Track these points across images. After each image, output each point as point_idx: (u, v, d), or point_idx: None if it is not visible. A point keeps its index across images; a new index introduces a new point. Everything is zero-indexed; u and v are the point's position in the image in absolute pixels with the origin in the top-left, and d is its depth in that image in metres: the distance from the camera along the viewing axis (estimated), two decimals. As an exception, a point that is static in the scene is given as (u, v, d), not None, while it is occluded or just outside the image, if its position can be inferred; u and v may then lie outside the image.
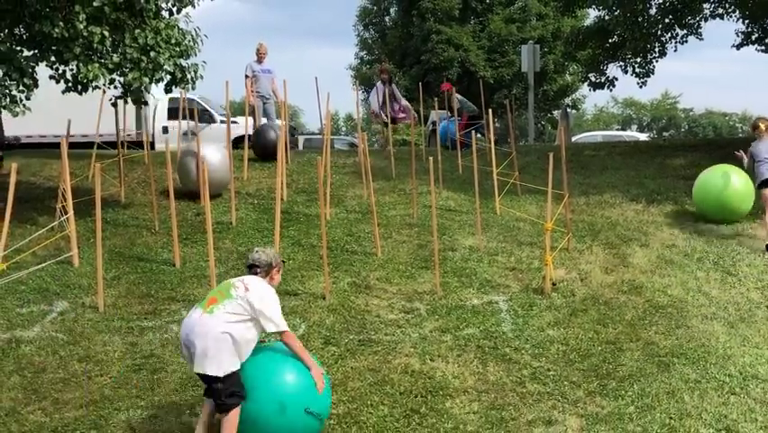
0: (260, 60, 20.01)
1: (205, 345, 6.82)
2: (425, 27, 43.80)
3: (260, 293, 7.12)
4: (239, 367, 6.92)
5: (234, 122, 24.23)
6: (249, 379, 6.88)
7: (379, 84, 22.06)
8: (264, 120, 19.60)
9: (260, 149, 18.41)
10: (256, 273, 7.37)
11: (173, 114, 24.62)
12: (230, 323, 6.91)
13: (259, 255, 7.41)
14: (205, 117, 26.17)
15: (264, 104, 19.67)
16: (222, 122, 24.00)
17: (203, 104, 26.04)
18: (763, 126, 13.55)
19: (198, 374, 6.97)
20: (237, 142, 20.31)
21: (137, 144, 19.44)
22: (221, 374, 6.80)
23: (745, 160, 13.51)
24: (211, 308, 6.99)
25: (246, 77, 19.80)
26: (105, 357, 9.10)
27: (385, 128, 20.84)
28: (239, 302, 7.03)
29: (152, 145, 23.97)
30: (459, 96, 22.44)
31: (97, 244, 10.77)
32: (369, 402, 8.12)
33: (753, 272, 12.08)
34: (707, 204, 14.26)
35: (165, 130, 24.99)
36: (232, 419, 6.86)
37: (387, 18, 50.44)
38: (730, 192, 13.98)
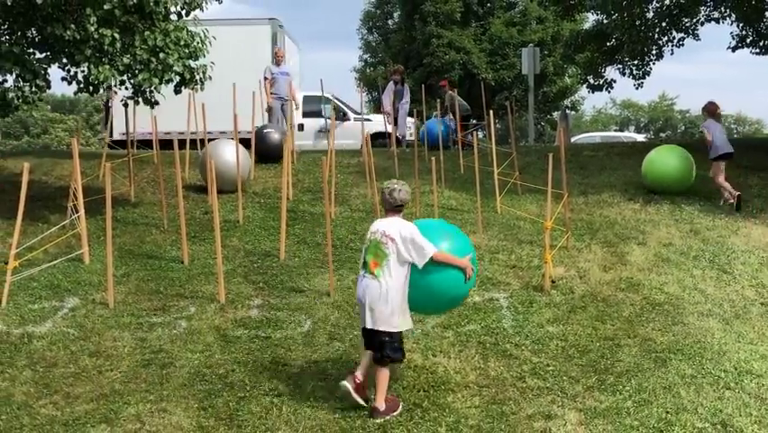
0: (278, 63, 20.07)
1: (376, 305, 7.67)
2: (427, 30, 43.73)
3: (402, 239, 7.73)
4: (405, 328, 7.98)
5: (368, 119, 24.42)
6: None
7: (390, 84, 22.10)
8: (271, 121, 19.62)
9: (263, 151, 18.07)
10: (395, 212, 8.05)
11: (307, 111, 24.89)
12: (392, 279, 7.69)
13: (395, 195, 7.97)
14: (340, 114, 26.36)
15: (282, 105, 19.69)
16: (356, 119, 24.08)
17: (337, 101, 26.15)
18: (718, 110, 16.34)
19: (365, 330, 7.82)
20: (373, 139, 20.45)
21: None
22: (392, 330, 7.74)
23: (708, 138, 15.79)
24: (376, 272, 7.71)
25: (265, 78, 19.83)
26: (114, 352, 9.10)
27: (395, 126, 20.86)
28: (393, 257, 7.71)
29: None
30: (454, 94, 22.40)
31: (108, 242, 10.78)
32: (372, 396, 8.10)
33: (747, 270, 12.09)
34: (655, 177, 16.12)
35: (300, 127, 25.10)
36: (386, 373, 7.77)
37: (390, 22, 50.38)
38: (677, 167, 16.09)
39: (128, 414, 7.73)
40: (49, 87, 13.08)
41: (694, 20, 22.33)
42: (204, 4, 14.17)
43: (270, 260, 12.32)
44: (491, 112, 17.34)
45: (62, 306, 10.48)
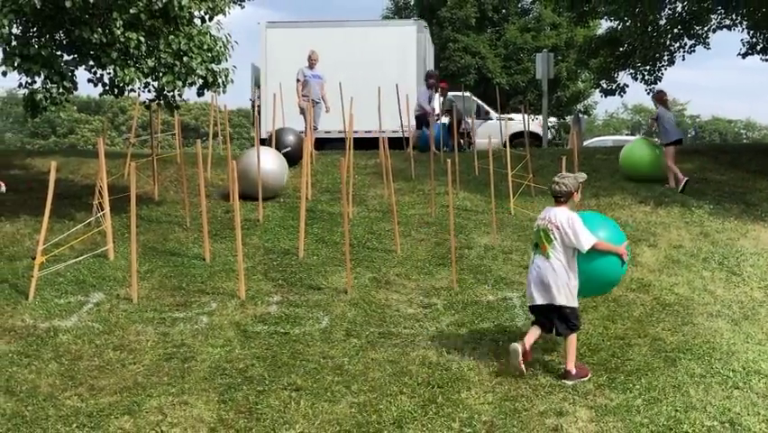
0: (311, 66, 20.09)
1: (551, 283, 8.45)
2: (443, 35, 43.73)
3: (567, 227, 8.43)
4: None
5: (510, 119, 24.51)
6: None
7: (423, 88, 22.12)
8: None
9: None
10: (561, 202, 8.67)
11: (449, 111, 25.01)
12: (559, 260, 8.46)
13: (560, 187, 8.63)
14: (482, 114, 26.44)
15: (313, 107, 19.72)
16: (498, 118, 24.11)
17: (479, 101, 26.24)
18: (666, 98, 17.62)
19: (539, 307, 8.61)
20: (512, 138, 20.48)
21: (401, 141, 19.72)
22: (572, 304, 8.53)
23: (655, 126, 17.24)
24: (546, 254, 8.51)
25: (297, 81, 19.86)
26: (138, 346, 9.13)
27: (426, 128, 20.79)
28: (558, 242, 8.46)
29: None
30: (451, 97, 22.37)
31: (132, 239, 10.81)
32: (388, 392, 8.11)
33: (756, 272, 12.05)
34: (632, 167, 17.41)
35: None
36: (574, 339, 8.62)
37: (407, 27, 50.35)
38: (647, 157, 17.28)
39: (150, 406, 7.75)
40: (76, 89, 13.09)
41: (705, 27, 22.27)
42: (226, 9, 14.19)
43: (289, 258, 12.34)
44: (506, 115, 17.33)
45: (87, 301, 10.51)
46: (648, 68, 22.99)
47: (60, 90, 12.69)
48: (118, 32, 12.36)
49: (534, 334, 8.68)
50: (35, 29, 12.91)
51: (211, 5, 13.68)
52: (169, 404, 7.80)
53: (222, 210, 14.70)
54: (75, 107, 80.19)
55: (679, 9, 21.78)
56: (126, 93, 13.65)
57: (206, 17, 13.90)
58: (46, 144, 67.65)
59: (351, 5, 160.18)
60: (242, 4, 15.05)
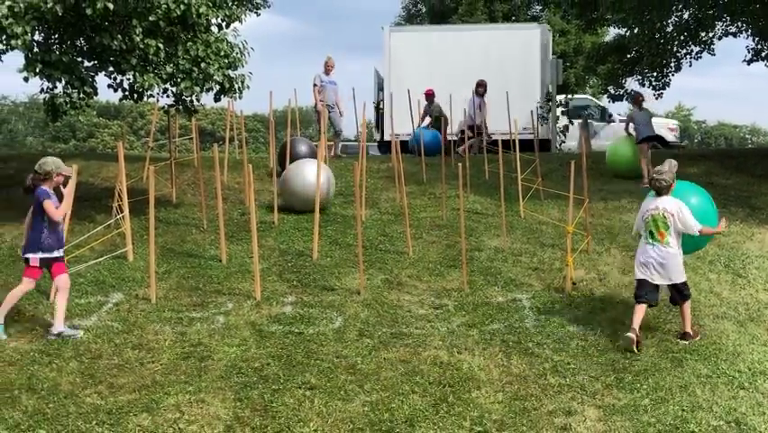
0: (327, 72, 20.13)
1: (670, 263, 9.59)
2: (454, 42, 43.74)
3: (680, 215, 9.56)
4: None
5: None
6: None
7: (474, 96, 22.06)
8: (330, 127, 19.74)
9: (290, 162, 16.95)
10: (665, 193, 9.73)
11: (572, 114, 25.22)
12: (675, 244, 9.63)
13: (660, 183, 9.71)
14: (606, 116, 27.24)
15: (330, 112, 19.72)
16: (621, 121, 24.25)
17: (600, 103, 26.35)
18: (641, 99, 18.87)
19: (651, 285, 9.64)
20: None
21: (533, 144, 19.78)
22: (683, 280, 9.74)
23: (631, 127, 18.28)
24: (666, 240, 9.58)
25: (314, 86, 19.91)
26: (156, 345, 9.14)
27: (478, 136, 20.71)
28: (672, 228, 9.57)
29: (548, 146, 24.91)
30: (438, 103, 22.36)
31: (150, 241, 10.83)
32: (400, 391, 8.11)
33: (761, 275, 12.03)
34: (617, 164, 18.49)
35: (566, 129, 25.48)
36: (688, 306, 9.78)
37: (419, 33, 50.39)
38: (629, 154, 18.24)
39: (168, 404, 7.76)
40: (96, 94, 13.12)
41: (710, 34, 22.21)
42: (243, 17, 14.21)
43: (304, 259, 12.35)
44: (516, 120, 17.31)
45: (107, 301, 10.54)
46: (655, 74, 22.93)
47: (81, 95, 12.74)
48: (138, 39, 12.38)
49: (639, 315, 9.54)
50: (57, 36, 12.94)
51: (228, 13, 13.71)
52: (186, 402, 7.81)
53: (238, 213, 14.73)
54: (95, 112, 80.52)
55: (685, 17, 21.72)
56: (145, 98, 13.68)
57: (223, 24, 13.94)
58: (66, 148, 67.83)
59: (363, 11, 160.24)
60: (258, 11, 15.08)
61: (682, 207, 9.60)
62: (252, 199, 11.55)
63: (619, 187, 16.96)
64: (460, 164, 12.80)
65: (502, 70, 23.55)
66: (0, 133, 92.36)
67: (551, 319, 10.18)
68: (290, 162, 16.07)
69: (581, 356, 9.09)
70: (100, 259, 11.71)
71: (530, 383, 8.40)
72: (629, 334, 9.23)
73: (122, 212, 12.23)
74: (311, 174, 14.39)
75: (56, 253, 9.38)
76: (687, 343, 9.50)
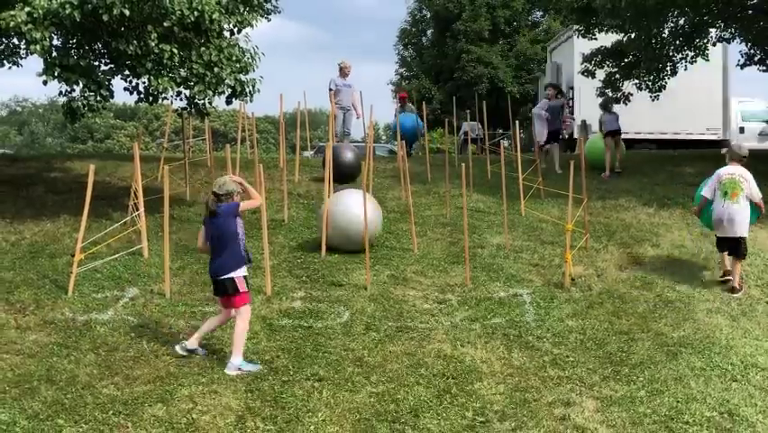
0: (343, 76, 20.05)
1: (739, 220, 11.35)
2: (457, 47, 43.83)
3: (751, 182, 11.54)
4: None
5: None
6: None
7: (544, 101, 20.74)
8: (343, 129, 19.62)
9: (334, 170, 14.87)
10: (743, 161, 11.72)
11: (747, 117, 25.33)
12: (745, 205, 11.41)
13: (742, 151, 11.92)
14: None
15: (344, 114, 19.67)
16: None
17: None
18: (611, 106, 19.86)
19: (728, 238, 11.46)
20: None
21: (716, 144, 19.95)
22: (746, 235, 11.44)
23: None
24: (736, 199, 11.35)
25: (330, 90, 19.84)
26: (170, 339, 9.15)
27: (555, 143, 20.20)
28: (744, 192, 11.39)
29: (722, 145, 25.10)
30: (411, 106, 22.30)
31: (165, 238, 10.85)
32: (405, 383, 8.12)
33: (753, 271, 12.02)
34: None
35: (741, 130, 25.59)
36: (740, 264, 11.39)
37: (424, 39, 50.50)
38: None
39: (182, 395, 7.77)
40: (112, 97, 13.13)
41: (705, 40, 22.16)
42: (254, 23, 14.20)
43: (313, 256, 12.35)
44: (516, 122, 17.30)
45: (123, 295, 10.55)
46: (652, 77, 22.89)
47: (98, 98, 12.75)
48: (153, 44, 12.39)
49: (727, 260, 11.57)
50: (74, 41, 12.97)
51: (239, 19, 13.71)
52: (199, 393, 7.82)
53: (249, 211, 14.70)
54: (111, 114, 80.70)
55: (681, 23, 21.67)
56: (160, 101, 13.69)
57: (235, 30, 13.95)
58: (84, 149, 68.08)
59: (371, 17, 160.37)
60: (269, 17, 15.07)
61: (751, 178, 11.53)
62: (264, 199, 11.55)
63: (617, 186, 16.94)
64: (463, 164, 12.80)
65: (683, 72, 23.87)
66: (21, 135, 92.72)
67: (550, 314, 10.18)
68: (336, 170, 15.01)
69: (580, 350, 9.10)
70: (116, 255, 11.72)
71: (530, 375, 8.40)
72: (728, 278, 11.37)
73: (137, 210, 12.24)
74: (356, 206, 12.16)
75: None
76: (738, 296, 11.02)
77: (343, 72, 20.04)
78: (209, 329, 8.87)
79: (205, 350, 8.77)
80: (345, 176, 15.96)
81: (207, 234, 8.66)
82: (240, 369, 8.33)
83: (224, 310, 8.79)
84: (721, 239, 11.58)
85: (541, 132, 19.53)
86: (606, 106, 19.86)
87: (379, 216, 12.90)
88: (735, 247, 11.37)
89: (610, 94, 24.47)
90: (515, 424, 7.40)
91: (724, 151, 13.00)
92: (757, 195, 11.48)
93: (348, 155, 16.67)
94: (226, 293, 8.51)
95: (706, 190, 11.68)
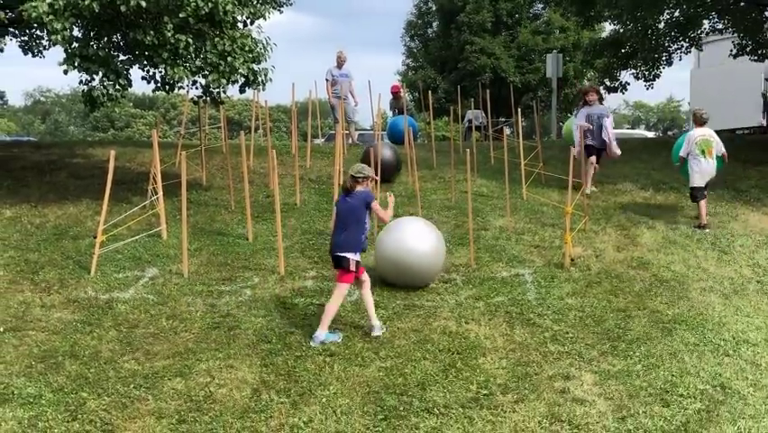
0: (339, 66, 20.01)
1: (711, 174, 13.23)
2: (461, 38, 43.62)
3: (718, 139, 13.27)
4: None
5: None
6: None
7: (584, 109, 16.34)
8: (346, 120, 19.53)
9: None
10: (705, 124, 13.32)
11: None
12: (715, 158, 13.17)
13: (707, 115, 13.35)
14: None
15: (344, 103, 19.60)
16: None
17: None
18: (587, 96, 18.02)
19: (703, 188, 13.13)
20: None
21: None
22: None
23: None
24: (712, 156, 13.11)
25: (326, 80, 19.81)
26: (188, 316, 9.19)
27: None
28: (715, 150, 13.18)
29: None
30: (406, 100, 22.15)
31: (183, 221, 10.87)
32: (412, 358, 8.14)
33: (745, 252, 12.01)
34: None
35: None
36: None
37: (429, 30, 50.27)
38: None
39: (200, 369, 7.81)
40: (130, 86, 13.10)
41: (698, 31, 22.09)
42: (266, 15, 14.17)
43: (324, 238, 12.34)
44: (518, 111, 17.28)
45: (143, 275, 10.58)
46: (648, 67, 22.84)
47: (116, 87, 12.74)
48: (169, 35, 12.38)
49: (704, 208, 13.10)
50: (94, 32, 12.95)
51: (252, 11, 13.68)
52: (216, 367, 7.86)
53: (263, 195, 14.73)
54: (131, 104, 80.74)
55: (676, 14, 21.60)
56: (176, 90, 13.68)
57: (248, 21, 13.92)
58: (105, 137, 68.11)
59: (379, 10, 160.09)
60: (281, 9, 15.04)
61: (716, 135, 13.30)
62: (276, 183, 11.56)
63: (614, 171, 16.90)
64: (468, 150, 12.78)
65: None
66: (44, 123, 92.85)
67: (551, 292, 10.18)
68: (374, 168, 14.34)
69: (579, 326, 9.10)
70: (137, 237, 11.75)
71: (531, 351, 8.42)
72: (703, 223, 12.95)
73: (156, 194, 12.26)
74: (417, 240, 10.21)
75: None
76: (708, 231, 12.74)
77: (339, 62, 20.00)
78: (369, 307, 8.88)
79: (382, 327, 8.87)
80: (383, 175, 14.31)
81: (338, 213, 8.88)
82: (323, 342, 8.45)
83: (357, 283, 8.91)
84: (698, 189, 13.14)
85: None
86: (586, 96, 20.27)
87: (438, 251, 10.38)
88: (705, 194, 13.26)
89: (608, 83, 24.48)
90: (517, 396, 7.42)
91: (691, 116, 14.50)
92: (723, 149, 13.37)
93: (386, 153, 15.38)
94: (340, 266, 8.64)
95: (683, 151, 13.35)
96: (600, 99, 16.07)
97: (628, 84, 23.99)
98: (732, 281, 10.85)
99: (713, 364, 8.22)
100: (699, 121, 13.39)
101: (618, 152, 15.04)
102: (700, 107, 14.03)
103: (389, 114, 21.45)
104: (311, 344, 8.41)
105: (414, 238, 10.21)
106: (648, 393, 7.55)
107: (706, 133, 13.25)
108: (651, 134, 46.28)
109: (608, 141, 14.91)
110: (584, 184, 14.12)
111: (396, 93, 22.62)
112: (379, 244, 10.45)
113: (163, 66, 12.83)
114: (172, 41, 12.51)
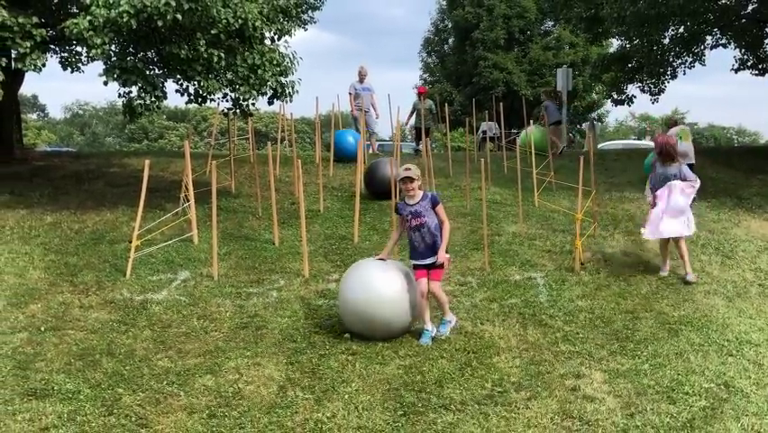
0: (361, 80, 20.03)
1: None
2: (476, 54, 43.67)
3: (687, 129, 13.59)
4: None
5: None
6: None
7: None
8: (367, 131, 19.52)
9: (374, 186, 14.93)
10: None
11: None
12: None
13: (672, 117, 13.29)
14: None
15: (365, 115, 19.62)
16: None
17: None
18: (553, 94, 21.57)
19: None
20: None
21: None
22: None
23: (543, 113, 18.97)
24: (689, 142, 14.43)
25: (349, 93, 19.83)
26: (218, 316, 9.19)
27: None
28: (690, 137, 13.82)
29: None
30: (430, 102, 22.04)
31: (213, 226, 10.89)
32: (430, 357, 8.09)
33: (747, 256, 11.91)
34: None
35: None
36: None
37: (445, 47, 50.35)
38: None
39: (229, 367, 7.80)
40: (165, 98, 13.19)
41: (702, 46, 22.02)
42: (292, 31, 14.23)
43: (346, 242, 12.34)
44: (531, 122, 17.22)
45: (175, 278, 10.59)
46: (653, 81, 22.76)
47: (152, 98, 12.79)
48: (202, 50, 12.44)
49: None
50: (131, 46, 13.01)
51: (279, 27, 13.76)
52: (244, 365, 7.84)
53: (288, 202, 14.73)
54: (164, 116, 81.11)
55: (680, 30, 21.54)
56: (208, 102, 13.73)
57: (275, 37, 13.99)
58: (140, 147, 68.38)
59: (400, 28, 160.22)
60: (306, 27, 15.09)
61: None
62: (301, 191, 11.57)
63: (623, 179, 16.84)
64: (482, 160, 12.74)
65: None
66: (83, 135, 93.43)
67: (562, 295, 10.12)
68: (377, 186, 14.58)
69: (589, 327, 9.03)
70: (170, 242, 11.77)
71: (544, 350, 8.36)
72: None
73: (188, 201, 12.29)
74: (381, 289, 8.45)
75: None
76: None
77: (361, 77, 20.03)
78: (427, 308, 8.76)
79: (441, 328, 8.77)
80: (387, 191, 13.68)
81: (403, 219, 8.88)
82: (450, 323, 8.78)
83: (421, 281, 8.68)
84: None
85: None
86: (551, 95, 21.52)
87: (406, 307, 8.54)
88: None
89: (615, 96, 24.42)
90: (530, 394, 7.37)
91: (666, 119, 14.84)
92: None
93: (388, 169, 14.30)
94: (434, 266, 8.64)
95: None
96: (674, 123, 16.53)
97: (634, 97, 23.91)
98: (735, 285, 10.76)
99: (717, 364, 8.14)
100: (670, 122, 15.19)
101: None
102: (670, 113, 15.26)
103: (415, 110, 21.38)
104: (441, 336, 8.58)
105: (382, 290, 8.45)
106: (655, 391, 7.48)
107: (679, 126, 15.13)
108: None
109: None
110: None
111: (421, 93, 22.67)
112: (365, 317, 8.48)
113: (197, 79, 12.89)
114: (205, 55, 12.58)
